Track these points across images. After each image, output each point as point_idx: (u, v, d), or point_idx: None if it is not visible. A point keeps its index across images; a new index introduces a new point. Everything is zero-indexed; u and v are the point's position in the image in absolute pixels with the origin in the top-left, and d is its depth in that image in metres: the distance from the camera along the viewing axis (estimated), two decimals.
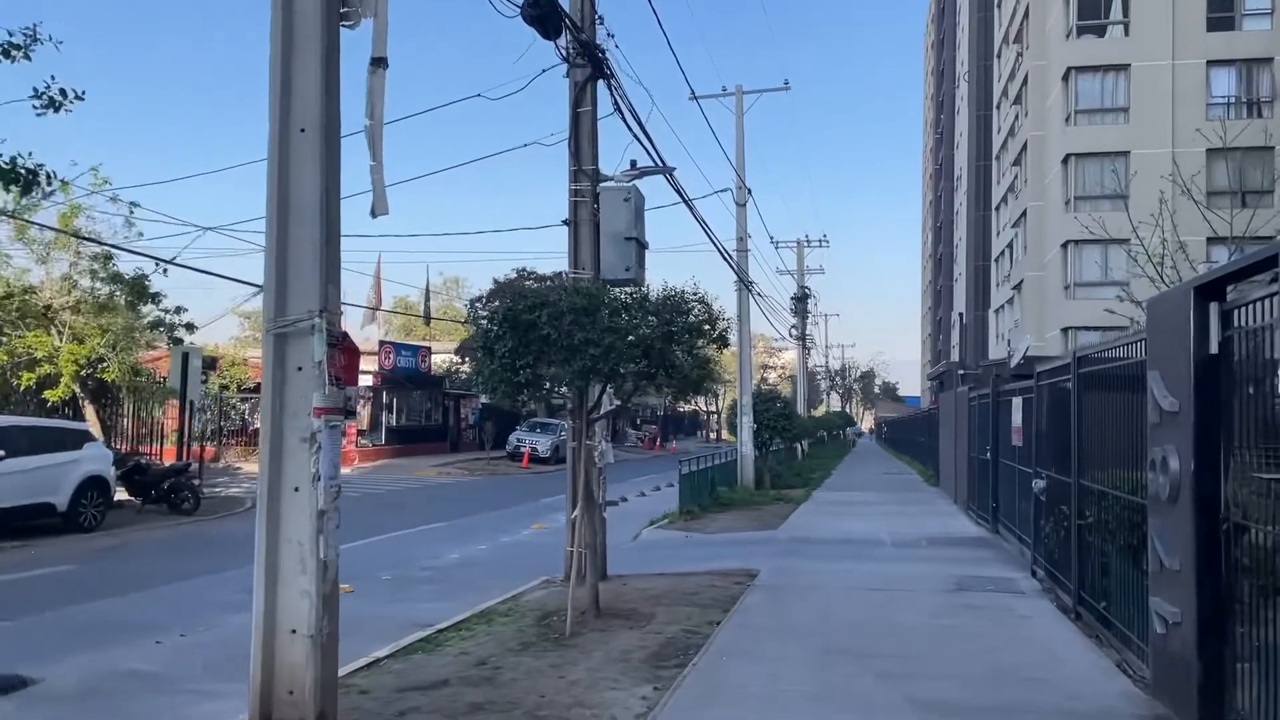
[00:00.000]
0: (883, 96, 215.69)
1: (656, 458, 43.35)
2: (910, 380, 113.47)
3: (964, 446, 17.09)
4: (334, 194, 5.17)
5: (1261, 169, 27.72)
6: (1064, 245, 31.95)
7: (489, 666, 6.67)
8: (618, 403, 9.82)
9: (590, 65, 10.19)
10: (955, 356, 55.20)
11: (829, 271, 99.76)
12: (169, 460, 22.38)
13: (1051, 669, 6.50)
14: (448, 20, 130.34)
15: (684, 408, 70.06)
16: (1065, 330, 31.71)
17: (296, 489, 4.99)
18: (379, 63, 5.27)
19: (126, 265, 21.17)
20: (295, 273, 5.07)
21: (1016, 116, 38.22)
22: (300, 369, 5.04)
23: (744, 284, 23.74)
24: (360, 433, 35.30)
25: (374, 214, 5.31)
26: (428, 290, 38.94)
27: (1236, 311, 4.76)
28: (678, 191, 13.77)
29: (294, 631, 4.93)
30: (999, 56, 43.60)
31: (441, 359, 41.63)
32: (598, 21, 10.39)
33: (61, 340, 20.54)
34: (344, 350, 5.15)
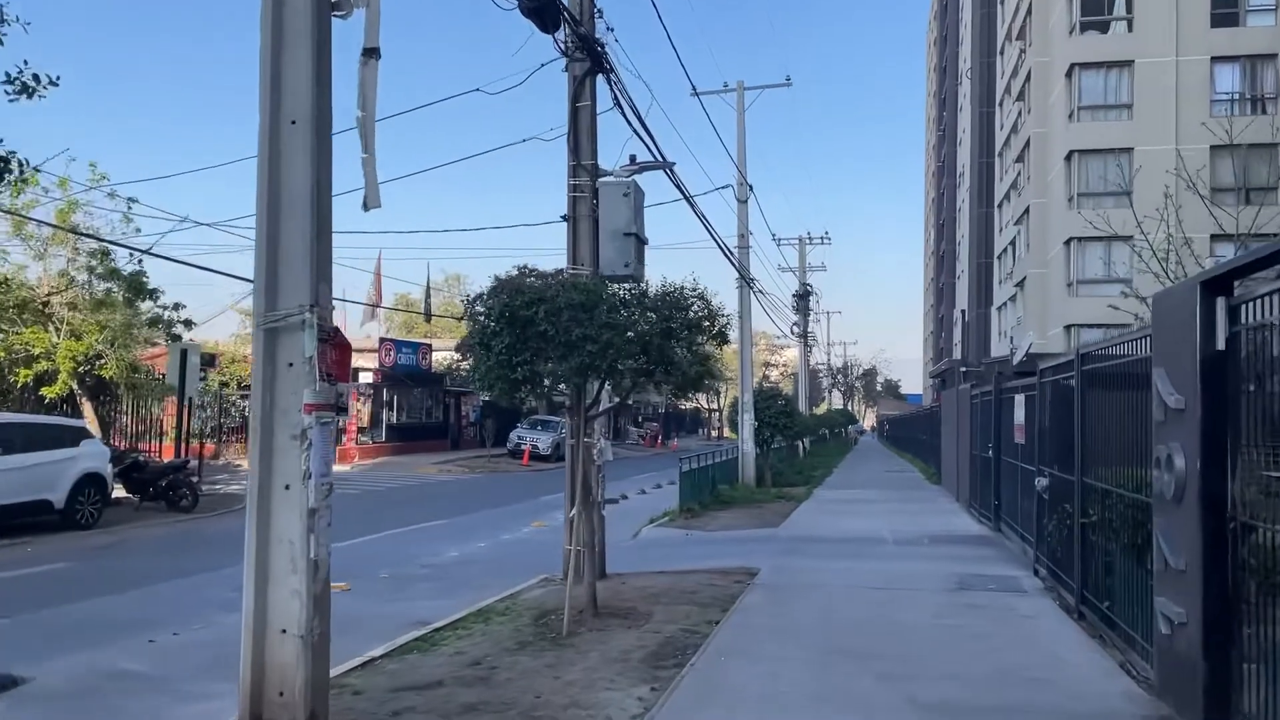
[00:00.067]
0: (885, 94, 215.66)
1: (658, 455, 43.29)
2: (912, 378, 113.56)
3: (966, 444, 17.01)
4: (325, 187, 5.09)
5: (1266, 165, 27.60)
6: (1067, 242, 31.83)
7: (485, 666, 6.60)
8: (616, 400, 9.74)
9: (589, 59, 10.10)
10: (957, 354, 55.12)
11: (831, 269, 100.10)
12: (168, 457, 22.32)
13: (1054, 669, 6.42)
14: (445, 14, 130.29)
15: (685, 405, 70.03)
16: (1068, 327, 31.60)
17: (287, 487, 4.92)
18: (371, 53, 5.19)
19: (127, 262, 21.13)
20: (286, 267, 4.98)
21: (1019, 113, 38.09)
22: (291, 365, 4.96)
23: (745, 281, 23.65)
24: (361, 430, 35.26)
25: (366, 207, 5.23)
26: (428, 287, 38.84)
27: (1244, 306, 4.67)
28: (678, 187, 13.69)
29: (284, 631, 4.86)
30: (1002, 53, 43.47)
31: (442, 356, 41.57)
32: (596, 15, 10.30)
33: (59, 337, 20.47)
34: (335, 346, 5.07)
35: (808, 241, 42.10)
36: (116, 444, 22.90)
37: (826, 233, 63.40)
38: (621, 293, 8.16)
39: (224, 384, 30.62)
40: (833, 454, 43.95)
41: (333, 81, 5.17)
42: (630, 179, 10.44)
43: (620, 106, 10.60)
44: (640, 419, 61.24)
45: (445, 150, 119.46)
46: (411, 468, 31.21)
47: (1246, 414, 4.60)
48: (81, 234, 19.78)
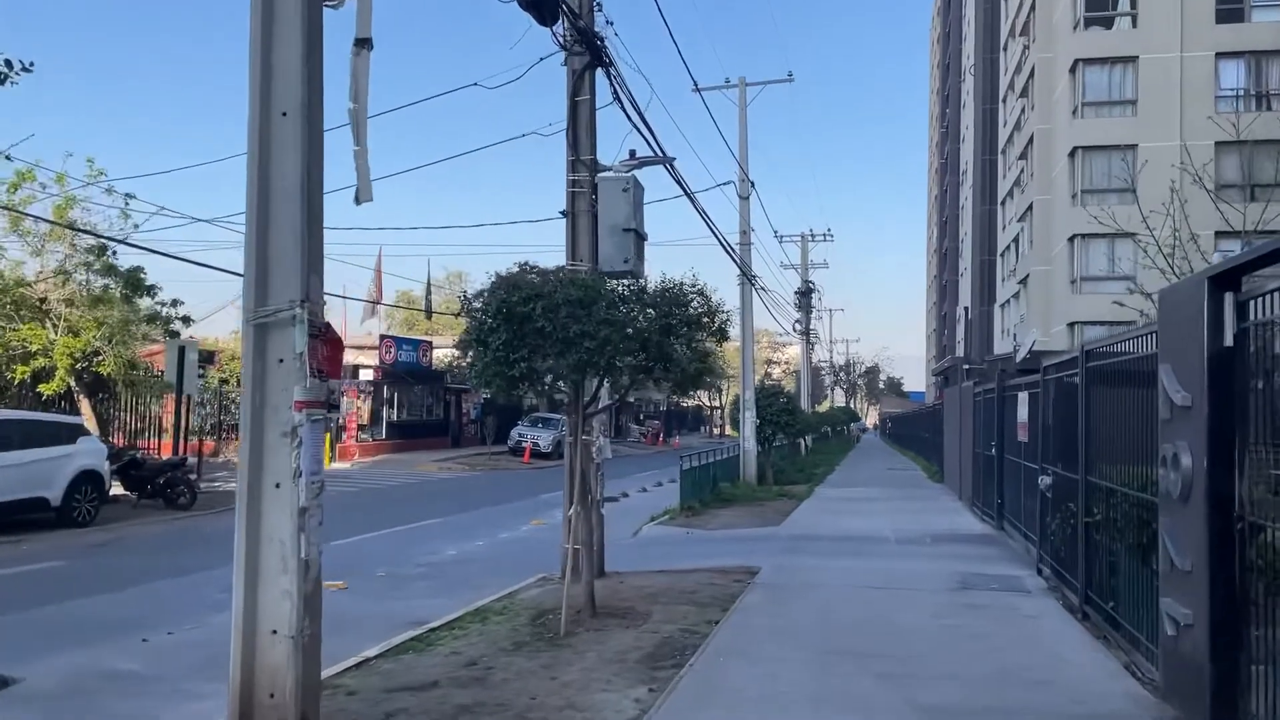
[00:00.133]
0: (887, 90, 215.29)
1: (659, 453, 43.22)
2: (915, 376, 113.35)
3: (969, 442, 16.92)
4: (316, 180, 5.00)
5: (1272, 162, 27.41)
6: (1070, 239, 31.70)
7: (480, 667, 6.52)
8: (615, 397, 9.65)
9: (588, 53, 10.01)
10: (960, 352, 55.01)
11: (833, 266, 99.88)
12: (166, 455, 22.26)
13: (1057, 670, 6.33)
14: (442, 6, 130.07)
15: (687, 403, 69.91)
16: (1071, 325, 31.48)
17: (277, 485, 4.84)
18: (363, 44, 5.11)
19: (128, 259, 21.07)
20: (276, 262, 4.90)
21: (1023, 110, 37.94)
22: (281, 361, 4.87)
23: (747, 278, 23.55)
24: (361, 427, 35.18)
25: (358, 201, 5.15)
26: (429, 284, 38.75)
27: (1253, 302, 4.58)
28: (678, 183, 13.57)
29: (275, 632, 4.78)
30: (1005, 49, 43.31)
31: (443, 353, 41.47)
32: (596, 8, 10.20)
33: (56, 333, 20.40)
34: (326, 342, 4.98)
35: (810, 239, 42.01)
36: (115, 441, 22.84)
37: (829, 230, 63.22)
38: (620, 289, 8.08)
39: (223, 381, 30.50)
40: (835, 452, 43.87)
41: (324, 77, 5.09)
42: (630, 174, 10.35)
43: (620, 101, 10.51)
44: (641, 416, 61.15)
45: (446, 147, 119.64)
46: (412, 465, 31.15)
47: (1255, 411, 4.51)
48: (79, 230, 19.71)
